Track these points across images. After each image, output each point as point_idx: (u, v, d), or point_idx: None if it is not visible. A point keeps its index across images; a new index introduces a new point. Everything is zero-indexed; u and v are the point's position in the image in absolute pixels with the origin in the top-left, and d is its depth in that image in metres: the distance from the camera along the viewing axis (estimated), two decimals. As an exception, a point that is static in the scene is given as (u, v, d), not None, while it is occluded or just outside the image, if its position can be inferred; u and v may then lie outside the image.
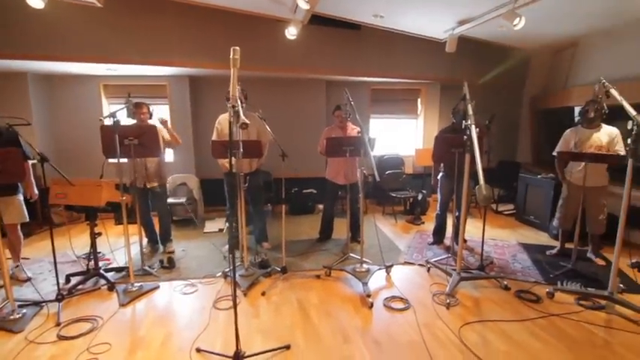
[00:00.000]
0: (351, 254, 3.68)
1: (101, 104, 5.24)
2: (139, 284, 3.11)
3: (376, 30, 4.79)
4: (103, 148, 2.93)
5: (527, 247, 4.12)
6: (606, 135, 3.35)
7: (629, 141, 2.50)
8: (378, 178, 2.79)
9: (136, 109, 3.49)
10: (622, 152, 3.23)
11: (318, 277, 3.36)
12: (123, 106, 3.11)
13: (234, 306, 2.00)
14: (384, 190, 5.55)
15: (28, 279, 3.29)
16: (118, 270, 3.46)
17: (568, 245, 3.66)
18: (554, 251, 3.87)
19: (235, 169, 3.16)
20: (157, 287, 3.16)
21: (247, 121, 2.35)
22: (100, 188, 2.96)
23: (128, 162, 3.33)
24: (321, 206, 4.99)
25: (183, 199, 4.97)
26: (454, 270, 3.11)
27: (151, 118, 3.67)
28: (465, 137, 2.74)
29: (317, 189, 5.53)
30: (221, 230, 4.74)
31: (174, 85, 5.29)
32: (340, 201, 4.75)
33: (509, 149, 6.49)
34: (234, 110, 1.91)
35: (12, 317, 2.59)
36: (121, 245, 3.99)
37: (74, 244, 3.88)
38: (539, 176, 4.86)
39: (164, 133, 3.74)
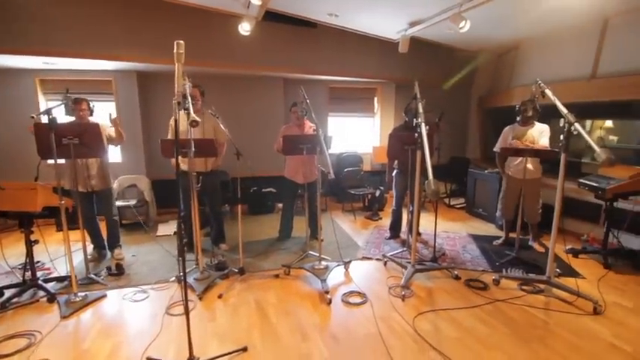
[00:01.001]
0: (311, 252, 3.68)
1: (37, 101, 4.80)
2: (83, 294, 2.90)
3: (332, 29, 4.83)
4: (38, 148, 2.68)
5: (477, 238, 4.37)
6: (538, 131, 3.63)
7: (561, 137, 2.72)
8: (332, 176, 2.81)
9: (75, 106, 3.24)
10: (547, 145, 3.51)
11: (277, 276, 3.33)
12: (60, 102, 2.87)
13: (186, 311, 1.92)
14: (343, 187, 5.62)
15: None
16: (60, 280, 3.20)
17: (512, 235, 3.92)
18: (499, 241, 4.14)
19: (188, 169, 3.05)
20: (104, 296, 2.97)
21: (197, 119, 2.28)
22: (34, 192, 2.72)
23: (67, 163, 3.09)
24: (281, 205, 4.95)
25: (132, 202, 4.70)
26: (409, 263, 3.22)
27: (91, 115, 3.42)
28: (416, 135, 2.84)
29: (276, 188, 5.48)
30: (174, 233, 4.54)
31: (120, 81, 4.97)
32: (299, 199, 4.75)
33: (460, 146, 6.83)
34: (183, 107, 1.83)
35: None
36: (63, 253, 3.70)
37: (8, 253, 3.56)
38: (486, 171, 5.17)
39: (109, 130, 3.51)
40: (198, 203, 3.12)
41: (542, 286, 3.00)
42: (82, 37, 4.04)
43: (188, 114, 2.43)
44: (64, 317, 2.64)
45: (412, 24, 4.41)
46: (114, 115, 3.46)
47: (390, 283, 3.17)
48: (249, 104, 5.63)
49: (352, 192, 5.49)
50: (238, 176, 3.14)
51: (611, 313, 2.67)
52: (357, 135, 6.68)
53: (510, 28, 4.59)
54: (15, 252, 3.77)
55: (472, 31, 3.96)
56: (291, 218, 4.36)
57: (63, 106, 2.97)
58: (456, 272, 3.28)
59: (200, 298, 2.89)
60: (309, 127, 4.00)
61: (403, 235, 4.29)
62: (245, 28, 3.90)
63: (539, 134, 3.61)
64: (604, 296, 2.89)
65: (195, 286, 3.00)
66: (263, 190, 5.58)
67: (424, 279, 3.24)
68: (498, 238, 4.22)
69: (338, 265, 3.38)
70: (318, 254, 3.34)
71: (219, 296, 2.93)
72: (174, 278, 3.23)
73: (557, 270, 3.27)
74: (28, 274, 3.02)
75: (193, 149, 2.87)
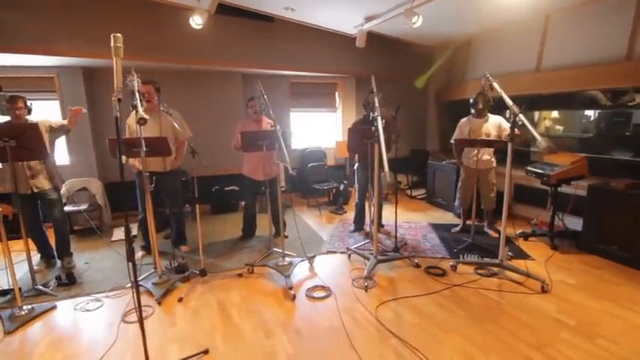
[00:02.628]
0: (275, 249, 3.65)
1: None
2: (29, 307, 2.71)
3: (290, 23, 4.78)
4: (-32, 151, 2.46)
5: (436, 227, 4.53)
6: (492, 124, 3.81)
7: (507, 127, 2.87)
8: (291, 171, 2.79)
9: (9, 105, 2.98)
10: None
11: (240, 275, 3.28)
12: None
13: (140, 318, 1.84)
14: (307, 182, 5.62)
15: None
16: (2, 293, 2.96)
17: (469, 222, 4.10)
18: (457, 229, 4.32)
19: (142, 169, 2.92)
20: (54, 307, 2.79)
21: (146, 117, 2.19)
22: (-34, 200, 2.49)
23: (4, 166, 2.84)
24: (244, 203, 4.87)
25: (84, 206, 4.43)
26: (371, 254, 3.28)
27: (29, 113, 3.17)
28: (373, 128, 2.88)
29: (239, 186, 5.38)
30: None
31: (64, 78, 4.62)
32: (262, 197, 4.69)
33: (420, 138, 7.04)
34: (131, 105, 1.74)
35: None
36: (4, 265, 3.42)
37: (-61, 269, 3.23)
38: (444, 162, 5.36)
39: (52, 121, 3.26)
40: (155, 204, 2.99)
41: (495, 269, 3.17)
42: (13, 30, 3.71)
43: (136, 112, 2.32)
44: (8, 333, 2.46)
45: (368, 19, 4.46)
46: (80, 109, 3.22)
47: (353, 275, 3.22)
48: (208, 100, 5.46)
49: (317, 187, 5.51)
50: (195, 175, 3.04)
51: (557, 291, 2.87)
52: (320, 130, 6.69)
53: (461, 23, 4.77)
54: (-51, 267, 3.44)
55: (425, 27, 4.08)
56: (254, 216, 4.30)
57: (-5, 105, 2.73)
58: (416, 261, 3.38)
59: (159, 303, 2.79)
60: (267, 123, 3.95)
61: (367, 227, 4.36)
62: (197, 22, 3.76)
63: (494, 126, 3.78)
64: (551, 275, 3.10)
65: (153, 291, 2.88)
66: (225, 188, 5.46)
67: (387, 269, 3.32)
68: (456, 225, 4.40)
69: (302, 261, 3.38)
70: (281, 251, 3.32)
71: (180, 300, 2.84)
72: (130, 284, 3.09)
73: (509, 253, 3.47)
74: (-36, 289, 2.77)
75: (145, 148, 2.74)
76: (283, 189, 3.58)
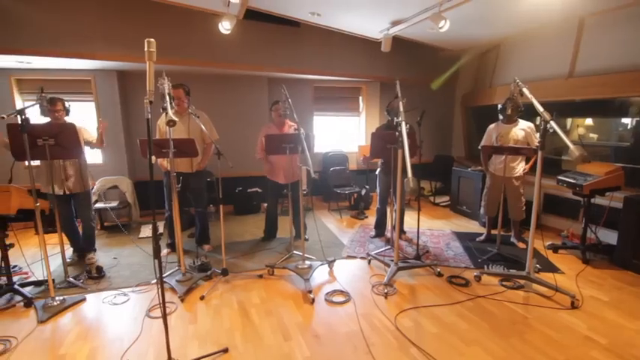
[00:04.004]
0: (295, 252, 3.68)
1: (13, 100, 4.67)
2: (61, 298, 2.84)
3: (316, 28, 4.82)
4: (12, 149, 2.61)
5: (460, 235, 4.42)
6: (522, 130, 3.69)
7: (538, 135, 2.77)
8: (313, 175, 2.80)
9: (49, 106, 3.16)
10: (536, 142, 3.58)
11: (260, 276, 3.31)
12: (34, 102, 2.80)
13: (164, 314, 1.90)
14: (329, 186, 5.63)
15: None
16: (37, 284, 3.13)
17: (494, 231, 3.98)
18: (482, 238, 4.20)
19: (170, 169, 3.01)
20: (83, 300, 2.91)
21: (175, 119, 2.26)
22: (8, 194, 2.65)
23: (43, 165, 3.01)
24: (266, 205, 4.94)
25: (114, 204, 4.62)
26: (392, 261, 3.24)
27: (67, 115, 3.34)
28: (397, 133, 2.85)
29: (262, 188, 5.46)
30: (160, 235, 4.49)
31: (100, 80, 4.86)
32: (284, 199, 4.73)
33: (445, 144, 6.91)
34: (161, 107, 1.80)
35: None
36: (41, 257, 3.61)
37: (-18, 258, 3.44)
38: (469, 169, 5.24)
39: (87, 133, 3.44)
40: (180, 204, 3.08)
41: (522, 281, 3.06)
42: (56, 35, 3.93)
43: (166, 114, 2.40)
44: (41, 322, 2.59)
45: (394, 23, 4.43)
46: (102, 120, 3.39)
47: (373, 281, 3.19)
48: (234, 103, 5.58)
49: (338, 191, 5.50)
50: (220, 176, 3.11)
51: (588, 307, 2.74)
52: (342, 134, 6.69)
53: (490, 27, 4.65)
54: (-9, 256, 3.66)
55: (453, 31, 4.01)
56: (276, 218, 4.35)
57: (38, 106, 2.89)
58: (438, 269, 3.31)
59: (182, 300, 2.86)
60: (290, 126, 3.99)
61: (388, 233, 4.31)
62: (225, 27, 3.85)
63: (524, 132, 3.66)
64: (581, 290, 2.96)
65: (177, 288, 2.96)
66: (248, 190, 5.55)
67: (407, 277, 3.27)
68: (481, 235, 4.28)
69: (322, 265, 3.38)
70: (302, 254, 3.34)
71: (202, 298, 2.90)
72: (155, 280, 3.19)
73: (537, 266, 3.32)
74: (4, 278, 2.94)
75: (173, 149, 2.83)
76: (305, 192, 3.60)
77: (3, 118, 2.40)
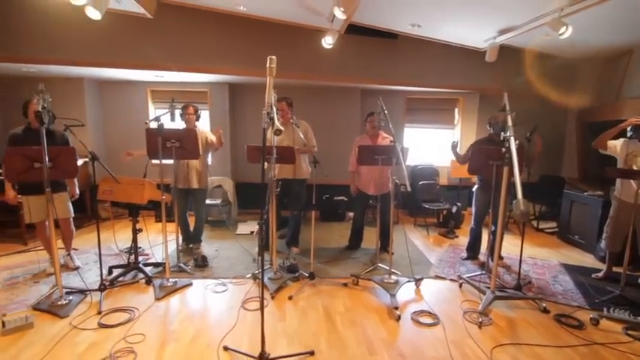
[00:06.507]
0: (380, 264, 3.63)
1: (148, 108, 5.58)
2: (173, 280, 3.26)
3: (413, 39, 4.75)
4: (148, 149, 3.11)
5: (570, 269, 3.86)
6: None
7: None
8: (409, 189, 2.74)
9: (183, 110, 3.73)
10: None
11: (345, 285, 3.34)
12: (167, 110, 3.29)
13: (262, 308, 2.04)
14: (416, 200, 5.44)
15: (77, 268, 3.55)
16: (156, 265, 3.64)
17: (616, 269, 3.39)
18: (600, 274, 3.61)
19: (272, 175, 3.25)
20: (190, 284, 3.29)
21: (281, 128, 2.43)
22: (142, 187, 3.15)
23: (173, 164, 3.52)
24: (351, 214, 4.98)
25: (218, 201, 5.16)
26: (488, 288, 2.98)
27: (197, 120, 3.86)
28: (504, 149, 2.64)
29: (348, 197, 5.52)
30: (252, 233, 4.86)
31: (214, 92, 5.54)
32: (370, 210, 4.71)
33: (552, 163, 6.14)
34: (269, 117, 1.97)
35: (60, 303, 2.80)
36: (160, 242, 4.19)
37: (117, 238, 4.15)
38: (585, 193, 4.56)
39: (209, 135, 3.90)
40: (278, 206, 3.30)
41: (655, 333, 2.54)
42: (184, 53, 4.57)
43: (273, 123, 2.61)
44: (157, 299, 3.00)
45: (502, 32, 4.13)
46: (219, 129, 3.81)
47: (464, 307, 2.97)
48: (326, 114, 5.79)
49: (426, 206, 5.28)
50: (314, 183, 3.25)
51: None
52: (433, 147, 6.43)
53: (621, 32, 4.02)
54: (122, 237, 4.38)
55: (572, 37, 3.57)
56: (362, 228, 4.35)
57: (169, 113, 3.39)
58: (544, 304, 2.94)
59: (272, 297, 3.04)
60: (384, 138, 3.98)
61: (482, 256, 3.99)
62: (328, 42, 4.04)
63: None
64: None
65: (269, 285, 3.16)
66: (335, 198, 5.66)
67: (505, 307, 2.97)
68: (598, 270, 3.68)
69: (408, 282, 3.28)
70: (388, 267, 3.28)
71: (290, 297, 3.05)
72: (250, 275, 3.45)
73: (678, 317, 2.74)
74: (132, 257, 3.49)
75: (275, 156, 3.05)
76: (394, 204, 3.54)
77: (147, 123, 2.88)
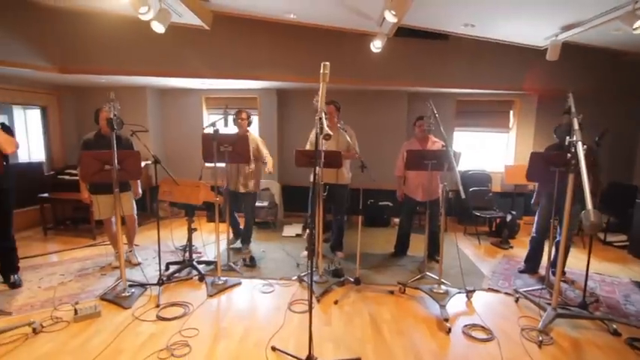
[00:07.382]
0: (428, 273, 3.52)
1: (202, 114, 5.90)
2: (224, 278, 3.39)
3: (465, 39, 4.57)
4: (203, 153, 3.29)
5: (646, 288, 3.47)
6: None
7: None
8: (463, 196, 2.63)
9: (236, 115, 3.93)
10: None
11: (391, 292, 3.28)
12: (221, 116, 3.46)
13: (310, 311, 2.06)
14: (467, 208, 5.20)
15: (139, 263, 3.83)
16: (208, 263, 3.82)
17: None
18: (683, 296, 3.21)
19: (318, 179, 3.28)
20: (240, 283, 3.41)
21: (330, 132, 2.44)
22: (198, 189, 3.33)
23: (226, 167, 3.67)
24: (396, 220, 4.87)
25: (265, 203, 5.31)
26: (549, 304, 2.77)
27: (249, 125, 4.02)
28: (569, 155, 2.45)
29: (393, 202, 5.41)
30: (298, 235, 4.93)
31: (263, 98, 5.72)
32: (418, 216, 4.58)
33: (624, 170, 5.57)
34: (321, 123, 2.00)
35: (123, 295, 3.03)
36: (211, 241, 4.40)
37: (174, 236, 4.41)
38: (664, 204, 4.09)
39: (262, 145, 4.06)
40: (324, 211, 3.33)
41: None
42: (235, 62, 4.76)
43: (321, 128, 2.63)
44: (209, 296, 3.14)
45: (565, 28, 3.83)
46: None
47: (522, 323, 2.78)
48: (373, 118, 5.74)
49: (477, 214, 5.03)
50: (361, 187, 3.23)
51: None
52: (486, 152, 6.12)
53: None
54: (178, 235, 4.64)
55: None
56: (409, 235, 4.24)
57: (223, 119, 3.56)
58: (614, 326, 2.66)
59: (318, 301, 3.06)
60: (433, 142, 3.86)
61: (542, 270, 3.70)
62: (377, 46, 4.01)
63: None
64: None
65: (314, 289, 3.18)
66: (379, 203, 5.58)
67: (568, 327, 2.73)
68: (681, 292, 3.28)
69: (459, 293, 3.13)
70: (437, 277, 3.17)
71: (335, 302, 3.05)
72: (296, 277, 3.51)
73: None
74: (187, 255, 3.70)
75: (323, 160, 3.08)
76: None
77: (204, 129, 3.04)
